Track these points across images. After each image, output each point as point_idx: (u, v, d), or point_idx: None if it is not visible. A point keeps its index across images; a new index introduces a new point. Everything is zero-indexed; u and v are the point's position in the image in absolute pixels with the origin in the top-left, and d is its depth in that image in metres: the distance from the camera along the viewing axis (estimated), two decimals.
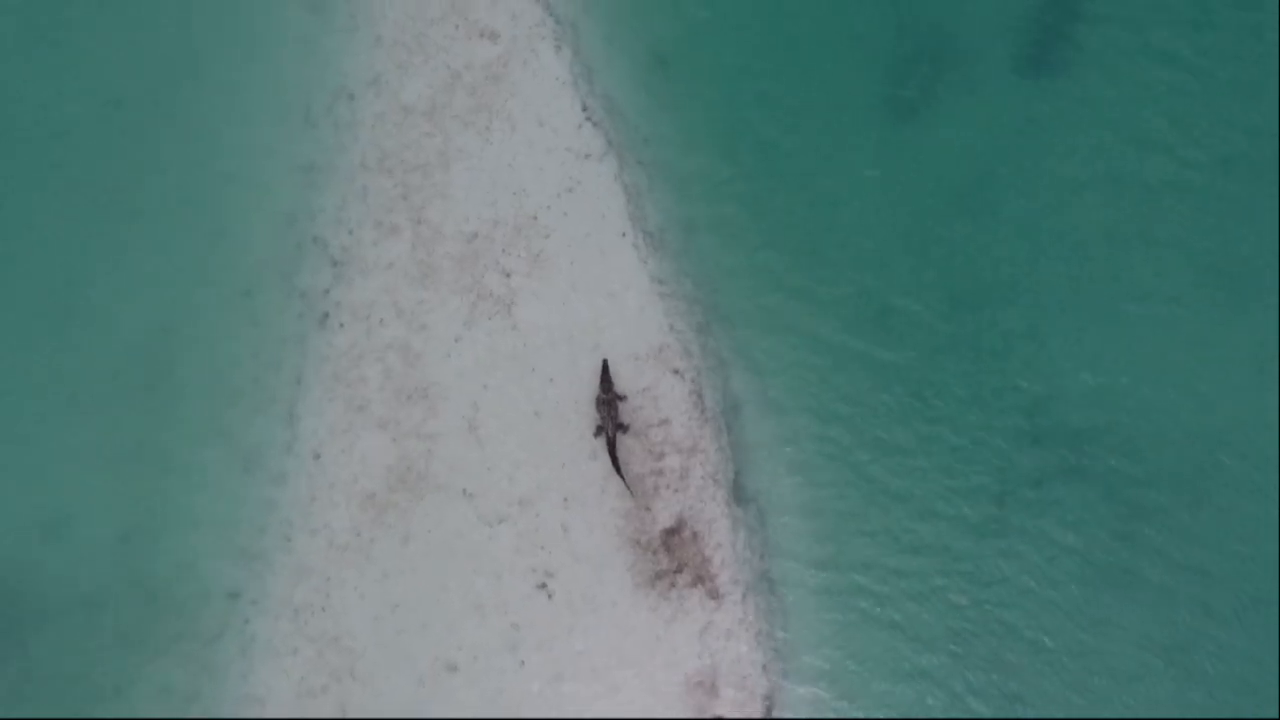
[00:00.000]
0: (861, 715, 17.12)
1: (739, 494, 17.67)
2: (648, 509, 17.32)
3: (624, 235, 18.37)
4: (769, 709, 16.78)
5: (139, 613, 17.50)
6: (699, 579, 17.17)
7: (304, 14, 18.93)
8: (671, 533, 17.30)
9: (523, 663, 16.99)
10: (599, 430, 17.27)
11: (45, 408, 18.05)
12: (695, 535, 17.31)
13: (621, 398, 17.42)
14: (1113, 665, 17.34)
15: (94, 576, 17.57)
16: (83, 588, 17.53)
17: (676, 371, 17.87)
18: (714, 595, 17.13)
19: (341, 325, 18.17)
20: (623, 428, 17.25)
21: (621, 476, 17.19)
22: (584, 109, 18.67)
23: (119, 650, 17.42)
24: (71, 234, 18.49)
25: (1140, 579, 17.45)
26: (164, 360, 18.11)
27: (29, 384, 18.14)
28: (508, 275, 18.26)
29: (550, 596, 17.25)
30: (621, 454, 17.31)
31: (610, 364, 17.55)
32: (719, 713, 16.68)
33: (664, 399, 17.76)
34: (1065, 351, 18.10)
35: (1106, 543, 17.65)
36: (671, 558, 17.21)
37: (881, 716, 17.14)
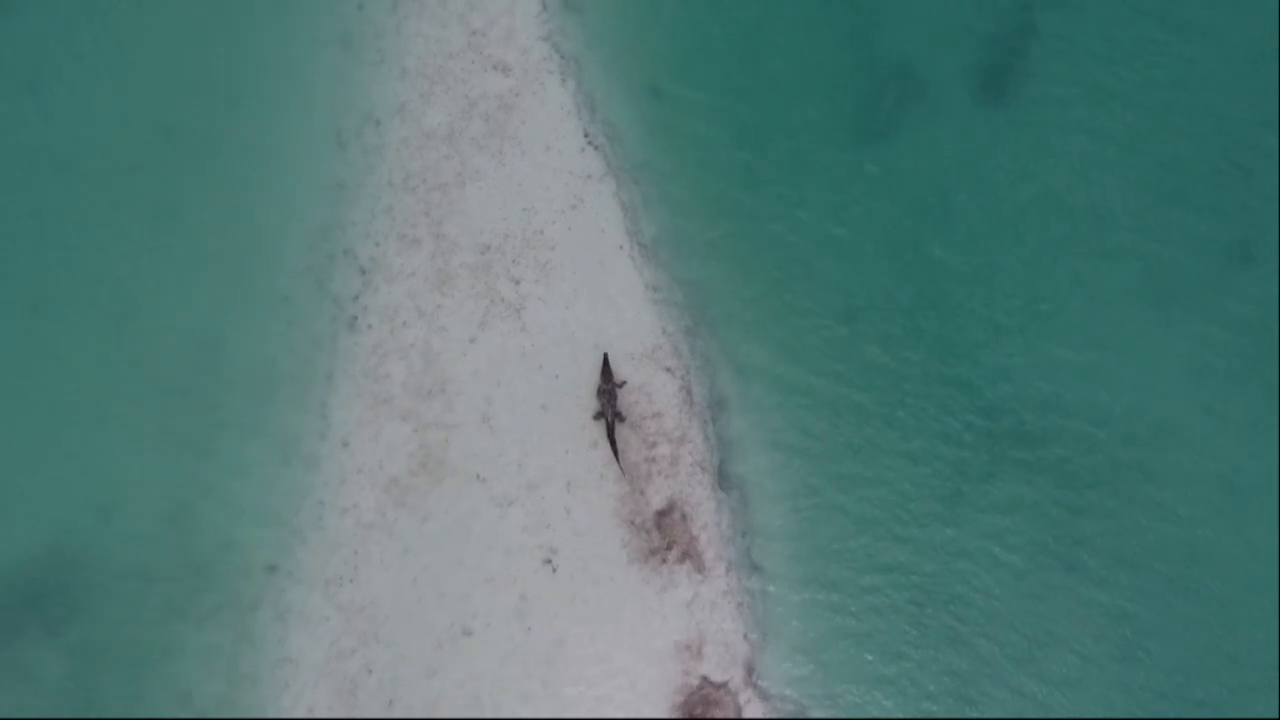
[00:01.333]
0: (836, 677, 18.49)
1: (723, 480, 19.18)
2: (641, 492, 18.90)
3: (621, 248, 19.84)
4: (749, 672, 18.41)
5: (185, 584, 18.87)
6: (687, 555, 18.75)
7: (336, 48, 20.34)
8: (663, 514, 18.88)
9: (529, 629, 18.48)
10: (599, 415, 18.90)
11: (102, 398, 19.45)
12: (684, 516, 18.94)
13: (621, 384, 19.00)
14: (1053, 671, 18.51)
15: (145, 551, 18.95)
16: (135, 561, 18.92)
17: (668, 370, 19.42)
18: (700, 570, 18.73)
19: (369, 327, 19.54)
20: (620, 417, 18.82)
21: (617, 457, 18.82)
22: (586, 135, 20.11)
23: (167, 617, 18.75)
24: (127, 244, 19.89)
25: (1080, 596, 18.72)
26: (209, 357, 19.51)
27: (88, 376, 19.53)
28: (517, 283, 19.72)
29: (554, 570, 18.72)
30: (619, 442, 18.88)
31: (610, 358, 19.20)
32: (705, 674, 18.37)
33: (656, 394, 19.28)
34: (1015, 361, 19.53)
35: (1047, 561, 18.89)
36: (662, 536, 18.80)
37: (856, 680, 18.53)
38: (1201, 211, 20.04)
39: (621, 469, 18.83)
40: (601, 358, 19.10)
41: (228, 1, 20.57)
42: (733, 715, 18.13)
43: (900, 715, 18.43)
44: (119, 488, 19.17)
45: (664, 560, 18.72)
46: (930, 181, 20.20)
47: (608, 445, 18.84)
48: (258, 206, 20.00)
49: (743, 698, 18.22)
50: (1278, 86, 20.29)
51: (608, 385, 18.87)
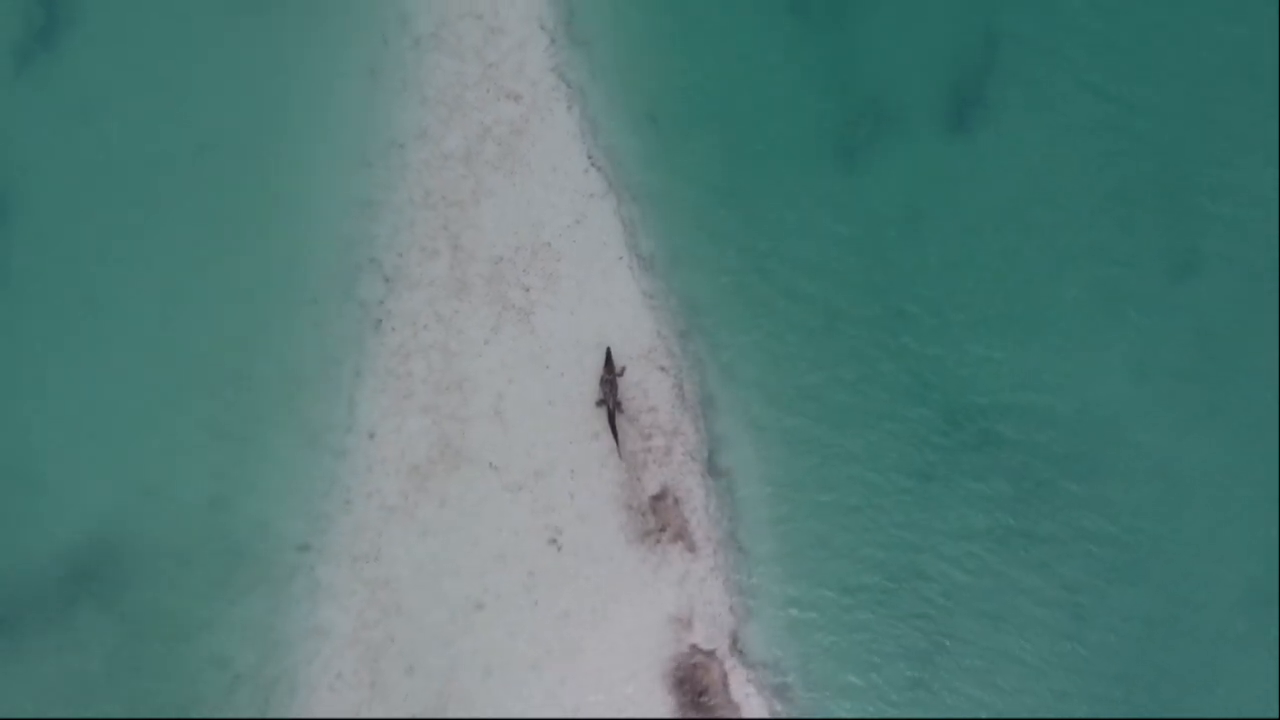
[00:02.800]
0: (811, 648, 20.25)
1: (712, 468, 20.80)
2: (638, 479, 20.59)
3: (620, 259, 21.40)
4: (734, 641, 20.13)
5: (223, 562, 20.32)
6: (679, 536, 20.42)
7: (363, 78, 21.83)
8: (657, 499, 20.58)
9: (536, 602, 20.10)
10: (601, 402, 20.55)
11: (148, 390, 20.93)
12: (677, 501, 20.63)
13: (621, 370, 20.55)
14: (1007, 665, 20.04)
15: (187, 531, 20.46)
16: (178, 540, 20.42)
17: (662, 369, 21.07)
18: (691, 549, 20.41)
19: (392, 329, 21.04)
20: (619, 406, 20.53)
21: (616, 439, 20.46)
22: (589, 157, 21.62)
23: (207, 593, 20.23)
24: (172, 250, 21.41)
25: (1027, 584, 20.31)
26: (247, 357, 21.03)
27: (136, 370, 21.02)
28: (527, 290, 21.27)
29: (559, 549, 20.34)
30: (618, 427, 20.49)
31: (612, 350, 20.69)
32: (694, 643, 20.13)
33: (652, 391, 20.94)
34: (975, 365, 21.14)
35: (1006, 543, 20.46)
36: (657, 519, 20.48)
37: (829, 651, 20.24)
38: (1145, 230, 21.71)
39: (620, 451, 20.53)
40: (605, 351, 20.77)
41: (265, 35, 22.16)
42: (726, 697, 19.95)
43: (870, 683, 20.12)
44: (163, 473, 20.70)
45: (658, 540, 20.38)
46: (900, 202, 21.83)
47: (608, 432, 20.51)
48: (291, 219, 21.52)
49: (728, 664, 20.09)
50: (1211, 118, 22.10)
51: (610, 375, 20.54)
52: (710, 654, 20.02)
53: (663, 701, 19.77)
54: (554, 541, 20.41)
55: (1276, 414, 21.00)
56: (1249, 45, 22.33)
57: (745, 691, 19.91)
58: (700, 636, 20.09)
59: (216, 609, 20.23)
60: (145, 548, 20.47)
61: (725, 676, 19.96)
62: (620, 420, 20.74)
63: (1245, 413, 21.17)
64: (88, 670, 20.17)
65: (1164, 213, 21.87)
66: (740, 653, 20.14)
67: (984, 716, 20.11)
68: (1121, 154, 22.05)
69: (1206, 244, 21.77)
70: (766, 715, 19.80)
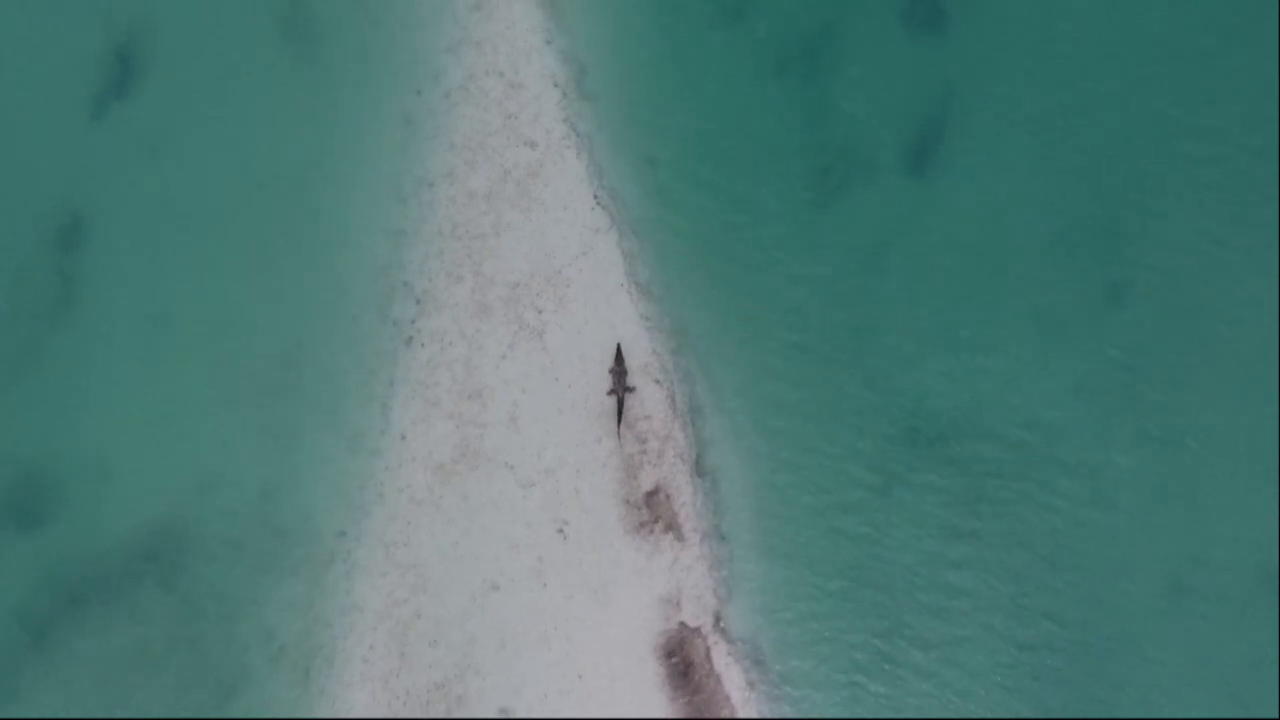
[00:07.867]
0: (784, 626, 22.63)
1: (699, 469, 23.19)
2: (634, 478, 23.08)
3: (622, 285, 23.73)
4: (716, 619, 22.64)
5: (271, 547, 22.64)
6: (670, 527, 22.78)
7: (399, 124, 24.34)
8: (651, 494, 22.95)
9: (545, 585, 22.47)
10: (611, 391, 22.83)
11: (206, 395, 23.37)
12: (668, 497, 22.97)
13: (625, 372, 22.80)
14: (954, 644, 22.23)
15: (239, 520, 22.81)
16: (231, 527, 22.82)
17: (657, 381, 23.39)
18: (680, 539, 22.76)
19: (422, 345, 23.33)
20: (629, 389, 22.69)
21: (619, 424, 22.63)
22: (595, 196, 23.98)
23: (256, 575, 22.58)
24: (228, 273, 23.94)
25: (976, 564, 22.59)
26: (294, 367, 23.48)
27: (194, 377, 23.47)
28: (540, 312, 23.56)
29: (565, 538, 22.60)
30: (621, 419, 22.78)
31: (622, 346, 22.85)
32: (682, 621, 22.69)
33: (648, 400, 23.30)
34: (931, 380, 23.45)
35: (953, 537, 22.54)
36: (651, 512, 22.86)
37: (800, 628, 22.65)
38: (1083, 262, 24.14)
39: (619, 435, 22.73)
40: (616, 346, 22.93)
41: (314, 87, 24.79)
42: (709, 668, 22.49)
43: (836, 656, 22.49)
44: (219, 469, 23.10)
45: (651, 531, 22.76)
46: (867, 238, 24.37)
47: (610, 435, 22.93)
48: (334, 248, 24.00)
49: (711, 640, 22.66)
50: (1144, 166, 24.66)
51: (618, 369, 22.86)
52: (696, 630, 22.45)
53: (654, 671, 22.23)
54: (561, 531, 22.70)
55: (1197, 424, 23.54)
56: (1176, 97, 24.91)
57: (725, 662, 22.44)
58: (687, 615, 22.47)
59: (264, 588, 22.54)
60: (202, 534, 22.83)
61: (709, 650, 22.44)
62: (620, 426, 23.11)
63: (1168, 423, 23.65)
64: (149, 640, 22.58)
65: (1101, 248, 24.38)
66: (722, 629, 22.52)
67: (946, 697, 22.61)
68: (1064, 195, 24.59)
69: (1139, 277, 24.28)
70: (744, 684, 22.29)
